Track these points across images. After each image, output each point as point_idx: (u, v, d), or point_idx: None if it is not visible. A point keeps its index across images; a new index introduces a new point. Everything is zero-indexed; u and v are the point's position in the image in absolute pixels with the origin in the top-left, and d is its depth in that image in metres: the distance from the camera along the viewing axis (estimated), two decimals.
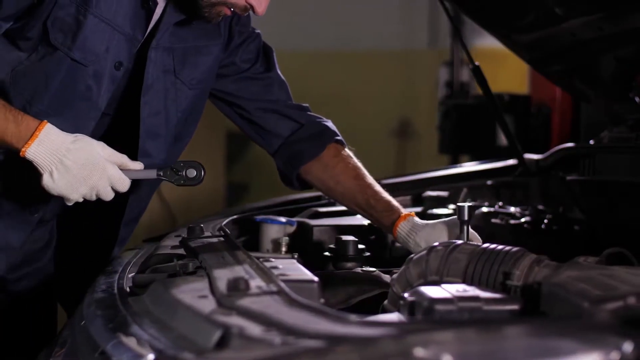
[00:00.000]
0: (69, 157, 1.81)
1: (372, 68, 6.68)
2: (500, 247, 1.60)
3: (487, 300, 1.40)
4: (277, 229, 2.33)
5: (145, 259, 1.94)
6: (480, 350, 0.99)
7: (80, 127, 1.92)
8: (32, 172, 1.85)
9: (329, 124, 2.26)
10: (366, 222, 2.38)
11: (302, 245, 2.31)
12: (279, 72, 2.29)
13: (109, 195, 1.88)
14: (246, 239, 2.43)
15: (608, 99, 2.68)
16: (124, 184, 1.89)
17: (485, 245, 1.61)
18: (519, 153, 2.79)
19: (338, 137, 2.24)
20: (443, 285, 1.44)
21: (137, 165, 1.93)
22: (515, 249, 1.58)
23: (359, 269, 2.04)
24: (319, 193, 2.71)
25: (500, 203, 2.62)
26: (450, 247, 1.60)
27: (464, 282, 1.54)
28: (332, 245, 2.18)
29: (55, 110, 1.93)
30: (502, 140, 4.29)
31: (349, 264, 2.12)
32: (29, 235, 2.09)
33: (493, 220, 2.51)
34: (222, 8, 1.96)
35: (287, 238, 2.29)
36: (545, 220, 2.48)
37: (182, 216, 4.93)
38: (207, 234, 2.00)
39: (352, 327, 1.12)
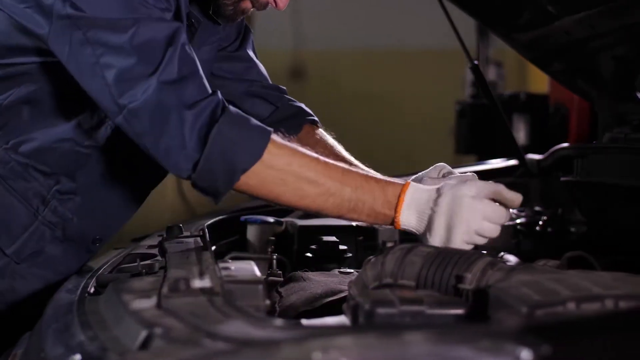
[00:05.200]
0: (436, 211, 1.71)
1: (427, 67, 6.66)
2: (458, 250, 1.57)
3: (431, 304, 1.38)
4: (263, 228, 2.33)
5: (122, 258, 1.95)
6: (379, 356, 0.98)
7: None
8: (102, 203, 1.93)
9: (303, 105, 2.26)
10: (355, 222, 2.36)
11: (289, 245, 2.31)
12: (256, 55, 2.29)
13: (492, 231, 1.73)
14: (236, 238, 2.43)
15: (612, 99, 2.62)
16: (497, 216, 1.73)
17: (443, 248, 1.59)
18: (519, 153, 2.75)
19: (312, 117, 2.25)
20: (391, 288, 1.43)
21: (515, 196, 1.77)
22: (471, 251, 1.55)
23: (336, 271, 2.03)
24: None
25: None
26: (407, 249, 1.57)
27: (417, 285, 1.52)
28: (313, 246, 2.17)
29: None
30: (519, 139, 4.24)
31: (330, 265, 2.11)
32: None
33: None
34: (245, 4, 1.95)
35: (273, 238, 2.29)
36: (540, 222, 2.44)
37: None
38: (185, 233, 2.01)
39: (267, 331, 1.12)
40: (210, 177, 1.68)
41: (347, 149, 2.20)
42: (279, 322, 1.17)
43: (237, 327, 1.15)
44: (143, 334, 1.19)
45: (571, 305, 1.25)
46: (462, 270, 1.49)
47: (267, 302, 1.42)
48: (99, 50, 1.67)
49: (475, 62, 2.69)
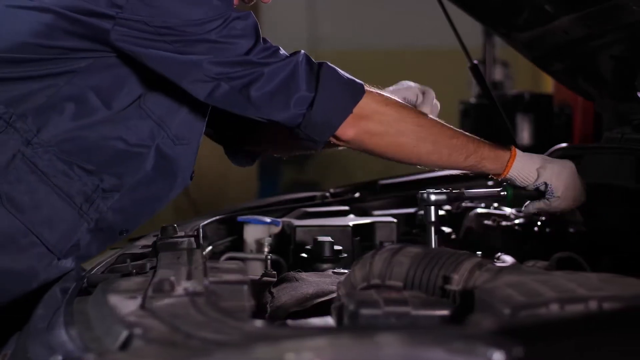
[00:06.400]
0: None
1: (441, 66, 6.65)
2: (446, 250, 1.56)
3: (416, 305, 1.37)
4: (260, 229, 2.33)
5: (115, 258, 1.95)
6: (352, 358, 0.97)
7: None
8: (138, 199, 1.98)
9: None
10: (351, 222, 2.36)
11: (286, 246, 2.31)
12: None
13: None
14: (234, 239, 2.43)
15: (613, 99, 2.60)
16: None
17: (432, 248, 1.58)
18: None
19: None
20: (377, 289, 1.42)
21: None
22: (460, 252, 1.54)
23: (330, 271, 2.03)
24: (312, 193, 2.71)
25: (496, 204, 2.57)
26: (395, 250, 1.57)
27: (405, 285, 1.51)
28: (308, 247, 2.17)
29: (183, 133, 2.00)
30: (523, 139, 4.23)
31: (325, 265, 2.11)
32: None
33: (485, 221, 2.47)
34: None
35: (269, 238, 2.28)
36: (539, 223, 2.42)
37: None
38: (180, 233, 2.01)
39: (243, 332, 1.11)
40: (324, 112, 1.88)
41: None
42: (257, 323, 1.17)
43: (215, 328, 1.14)
44: (124, 334, 1.19)
45: (554, 307, 1.24)
46: (449, 271, 1.48)
47: (252, 302, 1.42)
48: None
49: (475, 61, 2.68)
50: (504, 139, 3.53)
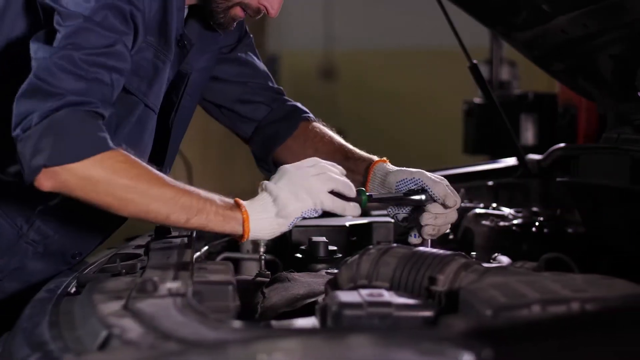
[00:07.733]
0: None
1: (455, 65, 6.68)
2: (433, 251, 1.56)
3: (399, 306, 1.37)
4: None
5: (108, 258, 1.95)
6: (323, 359, 0.97)
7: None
8: (82, 220, 1.92)
9: (298, 104, 2.26)
10: (348, 222, 2.35)
11: (282, 246, 2.30)
12: (257, 58, 2.27)
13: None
14: (230, 239, 2.43)
15: (614, 99, 2.59)
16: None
17: (419, 249, 1.58)
18: (519, 153, 2.73)
19: (307, 114, 2.24)
20: (360, 290, 1.42)
21: None
22: (447, 253, 1.54)
23: (323, 271, 2.03)
24: None
25: (495, 204, 2.56)
26: (382, 250, 1.56)
27: (391, 286, 1.51)
28: (303, 247, 2.17)
29: None
30: (527, 139, 4.21)
31: (319, 266, 2.10)
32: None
33: (483, 222, 2.46)
34: (236, 10, 1.95)
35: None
36: (537, 223, 2.41)
37: None
38: (174, 233, 2.01)
39: (219, 332, 1.11)
40: (39, 144, 1.61)
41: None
42: (234, 324, 1.17)
43: (192, 329, 1.14)
44: (103, 334, 1.20)
45: (536, 308, 1.24)
46: (435, 272, 1.48)
47: (237, 303, 1.42)
48: None
49: (474, 61, 2.67)
50: (505, 139, 3.52)
